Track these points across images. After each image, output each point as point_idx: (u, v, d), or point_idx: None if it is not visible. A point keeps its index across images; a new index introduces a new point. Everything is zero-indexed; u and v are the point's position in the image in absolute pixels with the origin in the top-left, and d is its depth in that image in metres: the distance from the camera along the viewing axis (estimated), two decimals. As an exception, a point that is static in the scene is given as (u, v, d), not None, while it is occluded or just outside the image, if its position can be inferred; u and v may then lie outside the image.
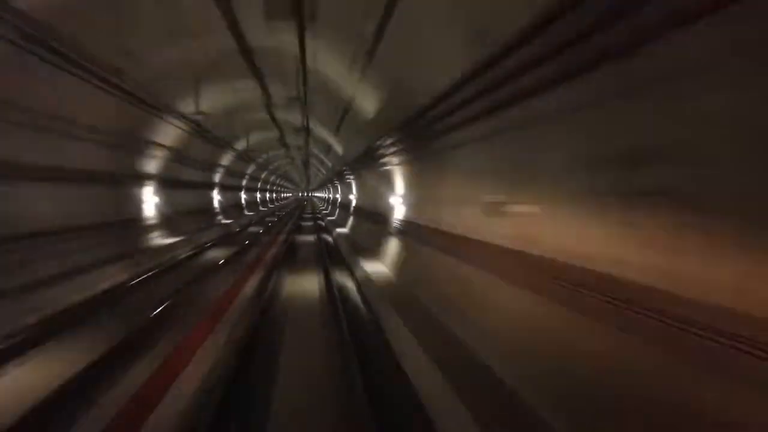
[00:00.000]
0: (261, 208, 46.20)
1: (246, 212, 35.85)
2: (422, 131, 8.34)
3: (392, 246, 12.16)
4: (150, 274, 11.36)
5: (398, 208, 12.39)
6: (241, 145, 24.66)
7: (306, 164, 37.20)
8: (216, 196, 26.85)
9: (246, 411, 4.71)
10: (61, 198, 10.35)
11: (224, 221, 26.54)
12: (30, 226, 8.84)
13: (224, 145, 21.24)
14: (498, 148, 6.10)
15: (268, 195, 56.77)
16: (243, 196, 36.48)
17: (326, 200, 48.43)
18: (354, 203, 23.89)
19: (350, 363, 5.57)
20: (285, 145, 26.95)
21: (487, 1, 4.90)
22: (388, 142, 10.69)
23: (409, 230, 11.06)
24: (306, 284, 10.71)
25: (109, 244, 12.09)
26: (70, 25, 7.31)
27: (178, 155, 17.73)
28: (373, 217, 16.07)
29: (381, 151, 11.72)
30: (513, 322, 5.31)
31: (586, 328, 4.04)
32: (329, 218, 32.50)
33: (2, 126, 7.74)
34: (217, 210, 26.73)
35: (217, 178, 26.13)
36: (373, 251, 13.79)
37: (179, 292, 9.45)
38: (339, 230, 22.81)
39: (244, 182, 35.48)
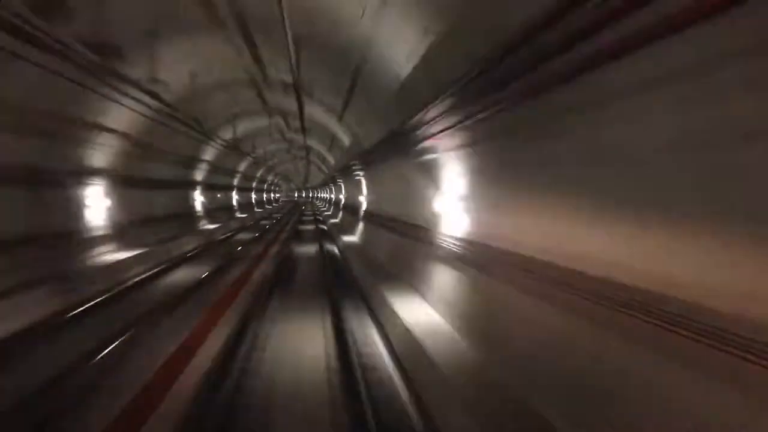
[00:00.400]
0: (267, 206, 54.25)
1: (256, 209, 43.87)
2: (370, 160, 16.20)
3: (359, 226, 20.15)
4: (214, 242, 19.40)
5: (364, 204, 20.37)
6: (256, 153, 32.61)
7: (306, 170, 45.07)
8: (234, 196, 34.90)
9: (284, 284, 12.69)
10: (158, 198, 18.36)
11: (241, 215, 34.58)
12: (153, 214, 16.94)
13: (244, 155, 29.21)
14: (404, 171, 13.92)
15: (273, 195, 64.85)
16: (253, 195, 44.52)
17: (324, 200, 56.20)
18: (342, 201, 31.86)
19: (328, 269, 13.53)
20: (289, 152, 34.99)
21: (390, 105, 12.72)
22: (356, 162, 18.60)
23: (368, 216, 19.00)
24: (307, 247, 18.72)
25: (185, 225, 20.16)
26: (185, 105, 15.10)
27: (214, 167, 25.75)
28: (352, 210, 24.04)
29: (353, 167, 19.64)
30: (391, 246, 13.27)
31: (401, 242, 11.97)
32: (326, 213, 40.44)
33: (157, 161, 15.81)
34: (236, 207, 34.79)
35: (236, 181, 34.16)
36: (350, 230, 21.78)
37: (236, 250, 17.43)
38: (332, 221, 30.80)
39: (254, 184, 43.47)
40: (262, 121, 22.78)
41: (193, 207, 23.46)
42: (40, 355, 6.85)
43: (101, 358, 6.47)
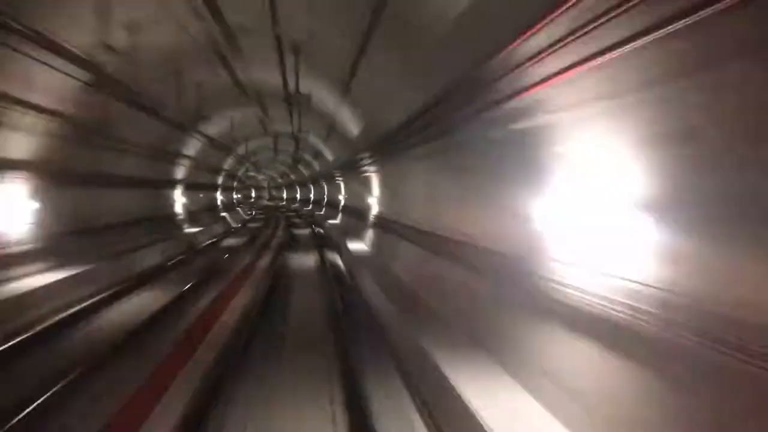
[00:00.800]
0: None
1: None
2: (342, 170, 24.92)
3: (339, 216, 29.01)
4: (237, 227, 28.15)
5: (343, 200, 29.21)
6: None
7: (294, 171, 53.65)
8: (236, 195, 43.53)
9: (289, 246, 21.49)
10: (196, 197, 27.02)
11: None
12: (202, 206, 25.67)
13: (245, 162, 37.84)
14: (357, 181, 22.67)
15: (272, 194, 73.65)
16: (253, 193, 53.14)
17: (310, 200, 64.81)
18: (326, 200, 40.69)
19: (315, 238, 22.32)
20: (282, 162, 43.64)
21: (352, 145, 21.51)
22: (337, 171, 27.38)
23: (345, 210, 27.79)
24: (303, 230, 27.55)
25: (214, 215, 28.94)
26: (222, 134, 23.76)
27: (229, 174, 34.43)
28: (335, 206, 32.88)
29: (335, 174, 28.43)
30: (353, 223, 22.12)
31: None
32: (308, 208, 49.21)
33: (199, 171, 24.51)
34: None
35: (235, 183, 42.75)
36: (332, 218, 30.64)
37: (255, 229, 26.13)
38: (317, 212, 39.61)
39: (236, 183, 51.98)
40: (263, 141, 31.49)
41: (215, 203, 32.18)
42: (198, 259, 15.69)
43: (220, 262, 15.23)
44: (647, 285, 3.62)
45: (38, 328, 7.98)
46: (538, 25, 3.91)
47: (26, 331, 7.70)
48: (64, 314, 8.82)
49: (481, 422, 4.12)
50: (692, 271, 3.24)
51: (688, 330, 3.14)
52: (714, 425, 2.83)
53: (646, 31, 3.06)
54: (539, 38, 4.07)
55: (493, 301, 6.26)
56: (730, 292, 2.89)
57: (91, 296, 10.22)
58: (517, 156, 5.46)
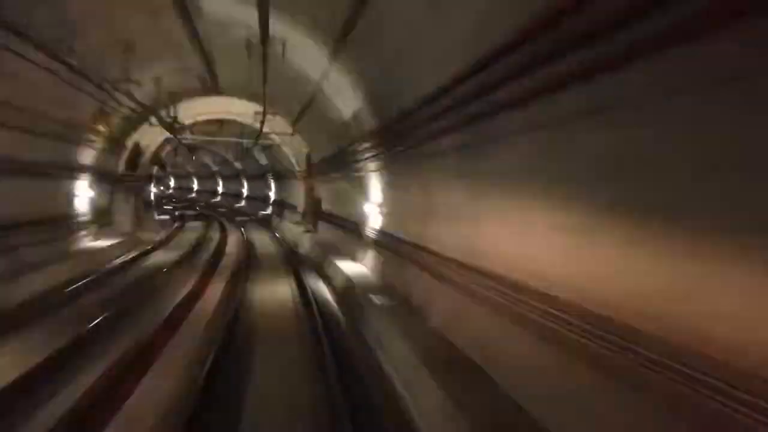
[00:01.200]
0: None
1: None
2: (280, 176, 33.75)
3: (269, 208, 37.87)
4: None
5: (272, 196, 38.08)
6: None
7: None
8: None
9: (250, 238, 30.32)
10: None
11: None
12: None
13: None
14: (292, 183, 31.65)
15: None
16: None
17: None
18: (246, 194, 49.06)
19: (256, 224, 31.21)
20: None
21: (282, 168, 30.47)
22: (270, 175, 36.10)
23: (274, 203, 36.66)
24: (242, 217, 36.23)
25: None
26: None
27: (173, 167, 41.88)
28: (264, 199, 41.57)
29: (267, 176, 37.09)
30: (286, 211, 31.30)
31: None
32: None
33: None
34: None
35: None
36: (263, 209, 39.40)
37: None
38: (237, 204, 47.97)
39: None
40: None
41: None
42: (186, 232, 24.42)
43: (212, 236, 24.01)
44: (380, 227, 13.60)
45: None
46: (361, 141, 13.62)
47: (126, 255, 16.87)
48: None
49: (342, 269, 13.98)
50: (391, 223, 13.20)
51: (385, 238, 13.12)
52: (393, 265, 12.76)
53: (388, 150, 12.69)
54: (360, 145, 13.83)
55: (352, 240, 16.15)
56: (402, 229, 12.75)
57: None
58: (358, 185, 15.39)
